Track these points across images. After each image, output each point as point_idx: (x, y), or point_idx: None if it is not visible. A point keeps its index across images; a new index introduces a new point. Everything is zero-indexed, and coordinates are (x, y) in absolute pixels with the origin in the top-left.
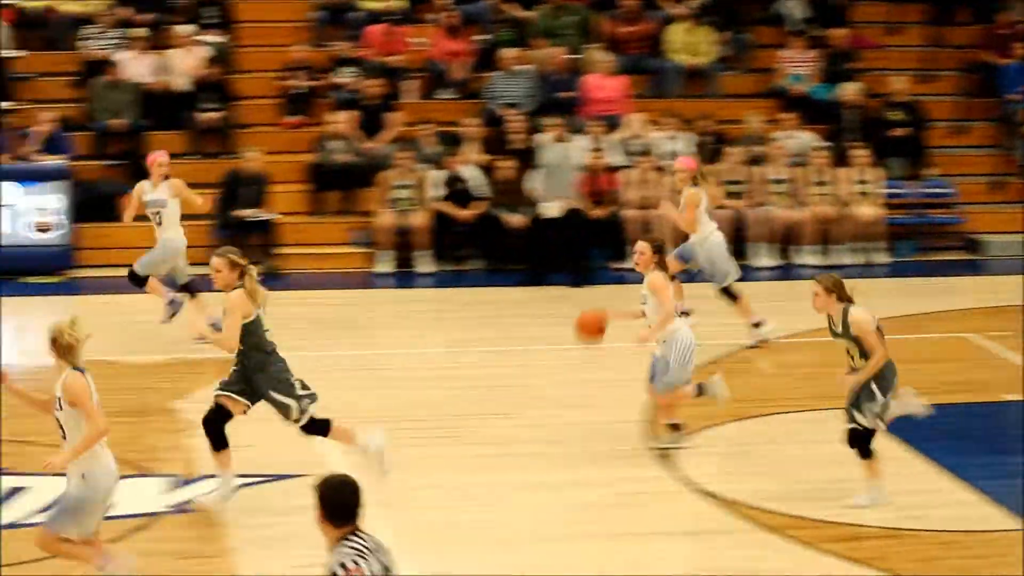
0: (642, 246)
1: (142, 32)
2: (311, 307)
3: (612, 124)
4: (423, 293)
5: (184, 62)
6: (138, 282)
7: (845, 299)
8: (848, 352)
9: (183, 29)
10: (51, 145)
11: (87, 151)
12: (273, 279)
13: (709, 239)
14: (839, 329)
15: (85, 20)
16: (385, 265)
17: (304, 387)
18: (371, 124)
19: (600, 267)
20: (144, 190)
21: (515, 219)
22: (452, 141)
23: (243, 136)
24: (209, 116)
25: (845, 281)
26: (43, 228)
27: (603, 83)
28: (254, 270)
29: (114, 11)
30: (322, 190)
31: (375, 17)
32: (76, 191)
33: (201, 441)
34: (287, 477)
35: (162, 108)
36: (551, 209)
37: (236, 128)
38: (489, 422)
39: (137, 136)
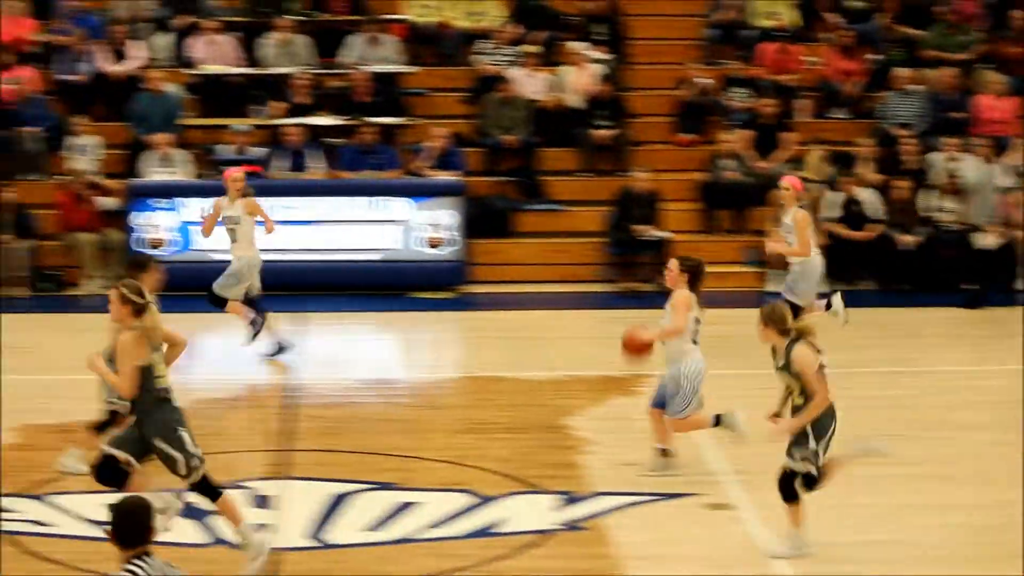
0: (672, 263)
1: (534, 49)
2: (703, 325)
3: (1001, 146)
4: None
5: (576, 79)
6: (218, 303)
7: (786, 332)
8: (788, 389)
9: (575, 46)
10: (444, 161)
11: (479, 167)
12: (664, 297)
13: (812, 260)
14: (781, 363)
15: (478, 36)
16: (776, 285)
17: (195, 444)
18: (764, 143)
19: (993, 289)
20: (222, 206)
21: (908, 239)
22: (845, 161)
23: (635, 154)
24: (601, 133)
25: None
26: (435, 244)
27: (994, 104)
28: (154, 308)
29: (507, 28)
30: (714, 208)
31: (767, 35)
32: (468, 207)
33: (593, 459)
34: (677, 496)
35: (554, 125)
36: (986, 238)
37: (628, 146)
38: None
39: (529, 152)
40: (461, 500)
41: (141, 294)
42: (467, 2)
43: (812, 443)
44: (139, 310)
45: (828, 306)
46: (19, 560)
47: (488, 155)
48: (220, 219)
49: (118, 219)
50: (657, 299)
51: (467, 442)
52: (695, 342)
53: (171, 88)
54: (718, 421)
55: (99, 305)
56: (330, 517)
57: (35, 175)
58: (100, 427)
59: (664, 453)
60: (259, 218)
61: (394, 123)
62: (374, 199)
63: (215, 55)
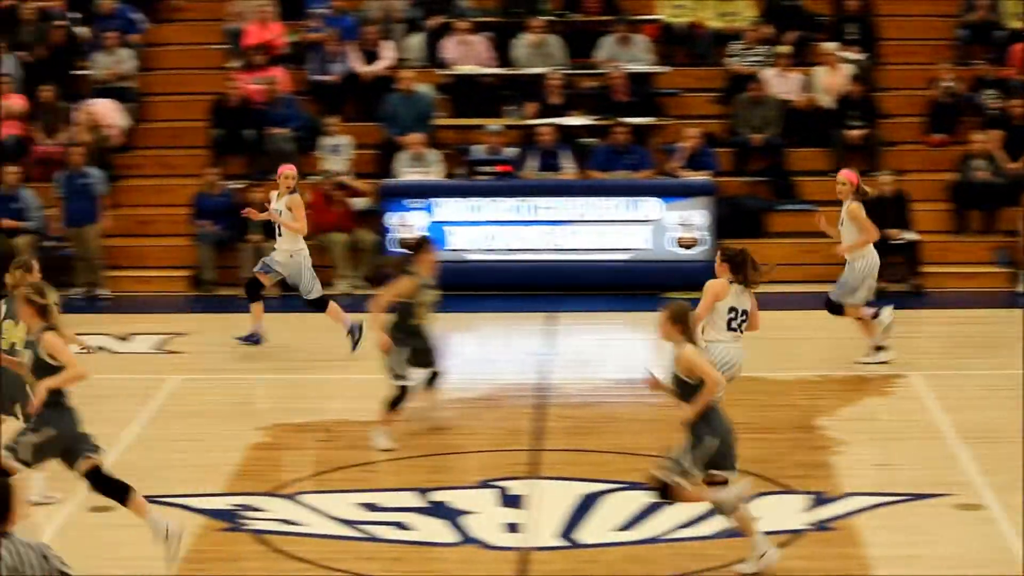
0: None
1: (786, 49)
2: (951, 326)
3: None
4: None
5: (828, 79)
6: (319, 306)
7: (687, 334)
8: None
9: (827, 46)
10: (696, 161)
11: (730, 167)
12: (915, 298)
13: (868, 257)
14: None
15: (730, 36)
16: None
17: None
18: (1015, 144)
19: None
20: (272, 199)
21: None
22: None
23: (886, 154)
24: (853, 133)
25: None
26: (686, 244)
27: None
28: (56, 308)
29: (759, 28)
30: (964, 209)
31: (1019, 36)
32: (719, 207)
33: (843, 459)
34: (927, 496)
35: (805, 125)
36: None
37: (880, 146)
38: None
39: (779, 152)
40: None
41: (43, 294)
42: (719, 2)
43: (686, 457)
44: (42, 310)
45: None
46: (268, 559)
47: (739, 155)
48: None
49: (370, 219)
50: (908, 300)
51: None
52: (732, 330)
53: (423, 88)
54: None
55: (351, 305)
56: (580, 517)
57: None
58: (394, 404)
59: None
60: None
61: (646, 123)
62: (625, 199)
63: (467, 55)
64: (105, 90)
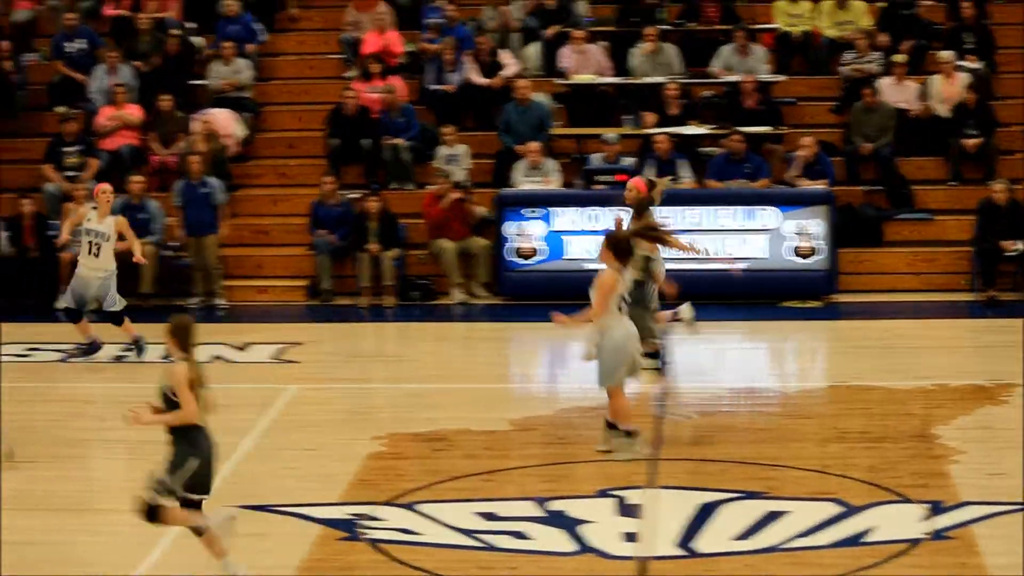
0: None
1: (902, 58)
2: None
3: None
4: None
5: (944, 88)
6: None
7: (185, 348)
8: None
9: (943, 55)
10: (812, 169)
11: (847, 176)
12: None
13: None
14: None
15: (845, 45)
16: None
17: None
18: None
19: None
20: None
21: None
22: None
23: (1002, 163)
24: (969, 142)
25: None
26: (803, 253)
27: None
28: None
29: (874, 36)
30: None
31: None
32: (837, 216)
33: (961, 468)
34: None
35: (921, 133)
36: None
37: (996, 155)
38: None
39: (892, 161)
40: (829, 509)
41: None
42: (836, 11)
43: (166, 475)
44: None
45: None
46: (385, 568)
47: (855, 164)
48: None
49: (487, 228)
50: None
51: (835, 451)
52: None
53: (540, 97)
54: None
55: (466, 315)
56: (698, 526)
57: (403, 184)
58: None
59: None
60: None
61: (763, 132)
62: (743, 208)
63: (584, 64)
64: (223, 100)
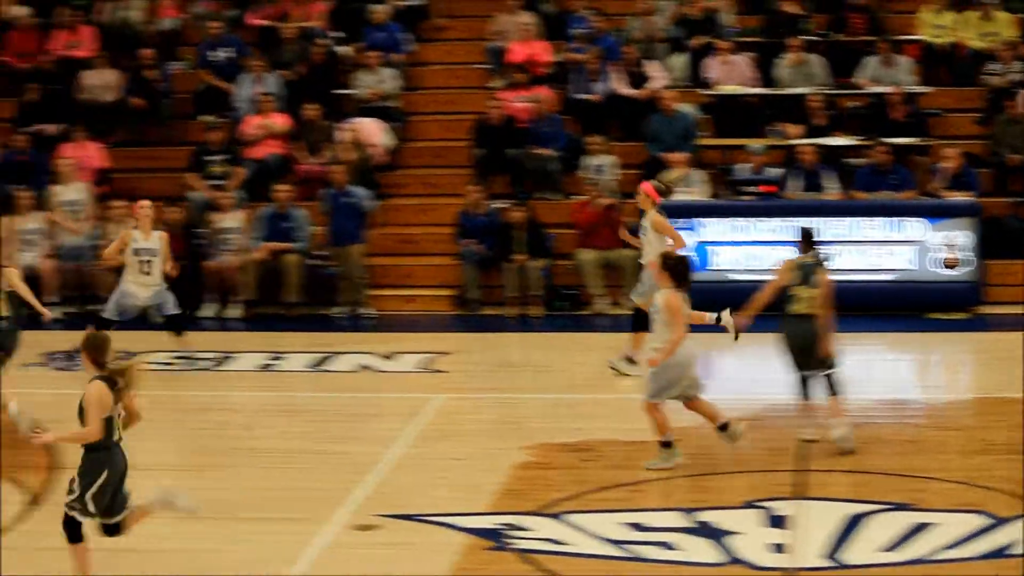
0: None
1: None
2: None
3: None
4: None
5: None
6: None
7: (99, 365)
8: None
9: None
10: (958, 181)
11: (993, 187)
12: None
13: None
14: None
15: (991, 56)
16: None
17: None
18: None
19: None
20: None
21: None
22: None
23: None
24: None
25: None
26: (950, 264)
27: None
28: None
29: (1018, 47)
30: None
31: None
32: (983, 227)
33: None
34: None
35: None
36: None
37: None
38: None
39: None
40: (975, 521)
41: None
42: (980, 22)
43: (78, 489)
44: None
45: None
46: None
47: (1001, 175)
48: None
49: (634, 238)
50: None
51: (980, 463)
52: None
53: (686, 108)
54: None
55: (611, 325)
56: (846, 537)
57: (550, 194)
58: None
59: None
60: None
61: (909, 143)
62: (889, 219)
63: (730, 75)
64: (369, 109)
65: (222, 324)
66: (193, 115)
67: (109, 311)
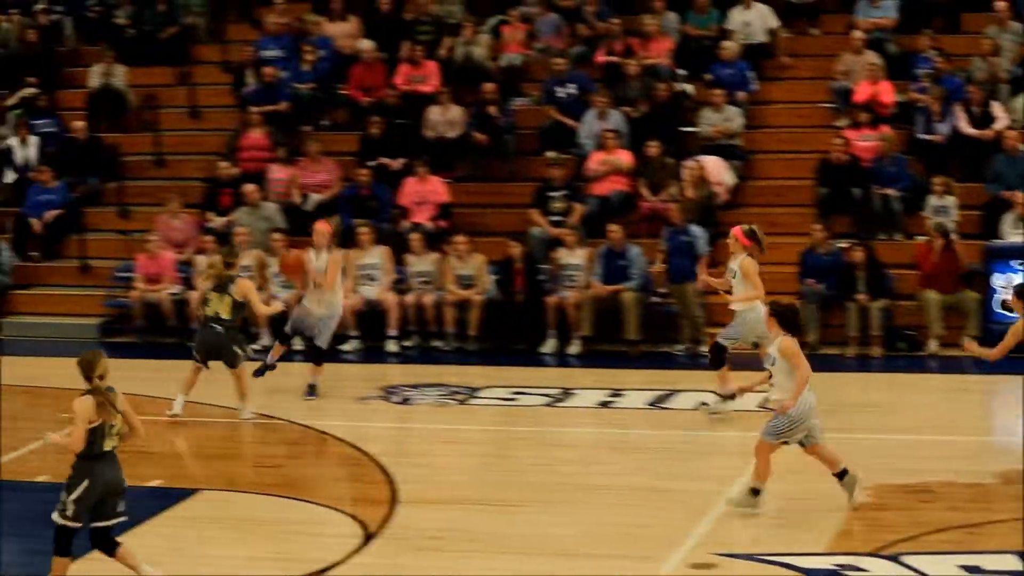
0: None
1: None
2: None
3: None
4: None
5: None
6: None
7: (88, 380)
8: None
9: None
10: None
11: None
12: None
13: None
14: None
15: None
16: None
17: None
18: None
19: None
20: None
21: None
22: None
23: None
24: None
25: None
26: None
27: None
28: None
29: None
30: None
31: None
32: None
33: None
34: None
35: None
36: None
37: None
38: None
39: None
40: None
41: None
42: None
43: (65, 495)
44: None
45: None
46: None
47: None
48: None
49: (976, 280)
50: None
51: None
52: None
53: None
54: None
55: (952, 366)
56: None
57: (892, 234)
58: None
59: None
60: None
61: None
62: None
63: None
64: (712, 147)
65: (561, 360)
66: (537, 151)
67: (288, 327)
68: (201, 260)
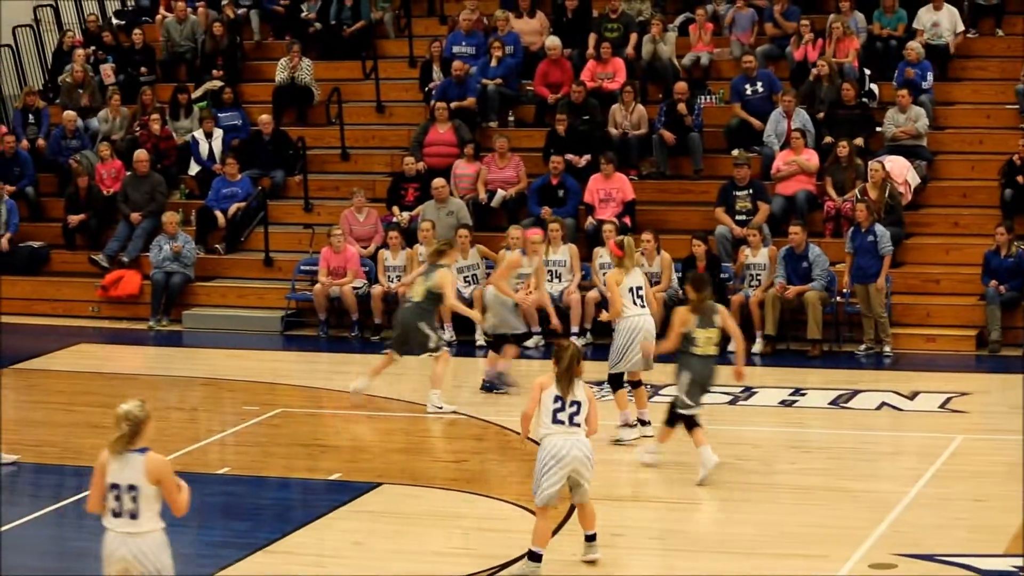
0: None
1: None
2: None
3: None
4: None
5: None
6: None
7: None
8: None
9: None
10: None
11: None
12: None
13: None
14: None
15: None
16: None
17: None
18: None
19: None
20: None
21: None
22: None
23: None
24: None
25: None
26: None
27: None
28: None
29: None
30: None
31: None
32: None
33: None
34: None
35: None
36: None
37: None
38: None
39: None
40: None
41: None
42: None
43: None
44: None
45: None
46: None
47: None
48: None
49: None
50: None
51: None
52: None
53: None
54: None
55: None
56: None
57: None
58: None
59: None
60: None
61: None
62: None
63: None
64: (897, 148)
65: (746, 359)
66: (725, 150)
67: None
68: (384, 254)
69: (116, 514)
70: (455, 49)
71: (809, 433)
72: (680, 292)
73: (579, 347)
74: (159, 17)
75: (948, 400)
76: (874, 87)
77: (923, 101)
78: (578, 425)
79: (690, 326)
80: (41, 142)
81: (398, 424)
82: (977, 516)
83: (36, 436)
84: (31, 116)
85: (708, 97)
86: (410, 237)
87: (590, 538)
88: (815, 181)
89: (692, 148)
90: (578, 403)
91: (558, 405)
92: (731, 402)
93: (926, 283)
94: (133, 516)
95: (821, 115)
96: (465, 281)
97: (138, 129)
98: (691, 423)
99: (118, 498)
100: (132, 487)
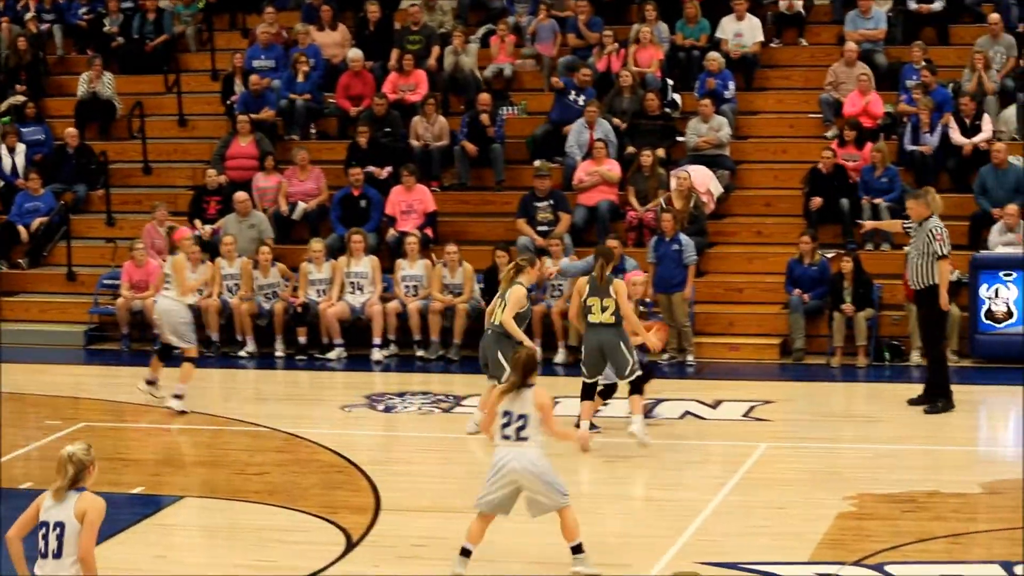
0: None
1: None
2: None
3: None
4: None
5: None
6: None
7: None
8: None
9: None
10: None
11: None
12: None
13: None
14: None
15: None
16: None
17: None
18: None
19: None
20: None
21: None
22: None
23: None
24: None
25: None
26: None
27: None
28: None
29: None
30: None
31: None
32: None
33: None
34: None
35: None
36: None
37: None
38: None
39: None
40: None
41: None
42: None
43: None
44: None
45: None
46: None
47: None
48: None
49: (960, 291)
50: None
51: None
52: None
53: (1017, 161)
54: None
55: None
56: None
57: (879, 245)
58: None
59: None
60: None
61: None
62: None
63: None
64: (700, 157)
65: (548, 368)
66: (527, 161)
67: None
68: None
69: (43, 555)
70: (254, 63)
71: (612, 443)
72: (482, 303)
73: (530, 355)
74: None
75: (751, 408)
76: (677, 97)
77: (725, 111)
78: (525, 439)
79: (585, 295)
80: None
81: (201, 437)
82: (780, 524)
83: None
84: None
85: (510, 108)
86: (212, 250)
87: (574, 549)
88: (618, 191)
89: (494, 159)
90: (524, 416)
91: (505, 420)
92: None
93: (729, 292)
94: (56, 555)
95: (624, 125)
96: (266, 298)
97: None
98: (586, 392)
99: (44, 536)
100: (59, 524)
